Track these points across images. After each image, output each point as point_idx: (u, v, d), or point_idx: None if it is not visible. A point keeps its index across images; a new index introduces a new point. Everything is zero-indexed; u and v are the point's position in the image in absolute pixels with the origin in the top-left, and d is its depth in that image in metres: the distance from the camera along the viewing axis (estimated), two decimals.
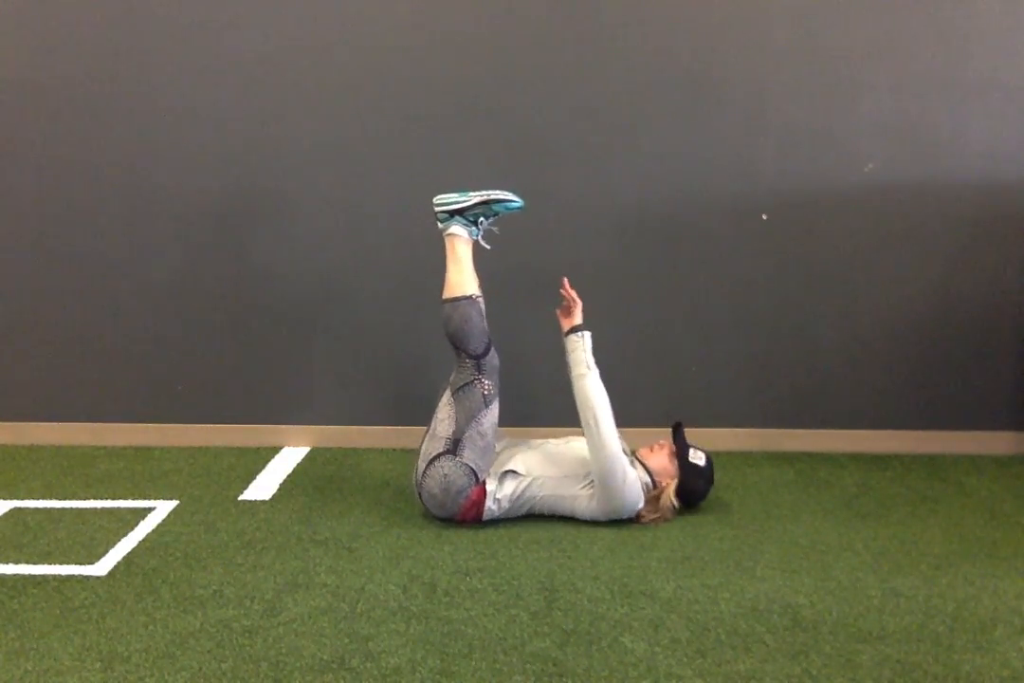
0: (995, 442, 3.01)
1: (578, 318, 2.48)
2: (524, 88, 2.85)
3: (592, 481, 2.41)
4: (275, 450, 3.12)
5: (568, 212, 2.92)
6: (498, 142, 2.88)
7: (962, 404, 3.01)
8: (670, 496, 2.45)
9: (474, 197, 2.42)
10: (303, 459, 3.04)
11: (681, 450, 2.50)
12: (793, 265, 2.94)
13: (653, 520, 2.44)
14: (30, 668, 1.80)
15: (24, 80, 2.92)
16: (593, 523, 2.44)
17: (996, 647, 1.85)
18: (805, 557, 2.27)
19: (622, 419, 2.84)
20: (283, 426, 3.15)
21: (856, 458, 3.00)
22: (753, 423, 3.07)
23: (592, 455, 2.37)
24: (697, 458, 2.49)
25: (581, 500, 2.42)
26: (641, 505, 2.44)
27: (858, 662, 1.80)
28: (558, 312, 2.52)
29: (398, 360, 3.09)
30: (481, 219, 2.45)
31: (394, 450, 3.09)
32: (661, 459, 2.50)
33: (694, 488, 2.49)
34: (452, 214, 2.44)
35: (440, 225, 2.48)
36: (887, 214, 2.88)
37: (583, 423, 2.39)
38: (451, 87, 2.85)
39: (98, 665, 1.80)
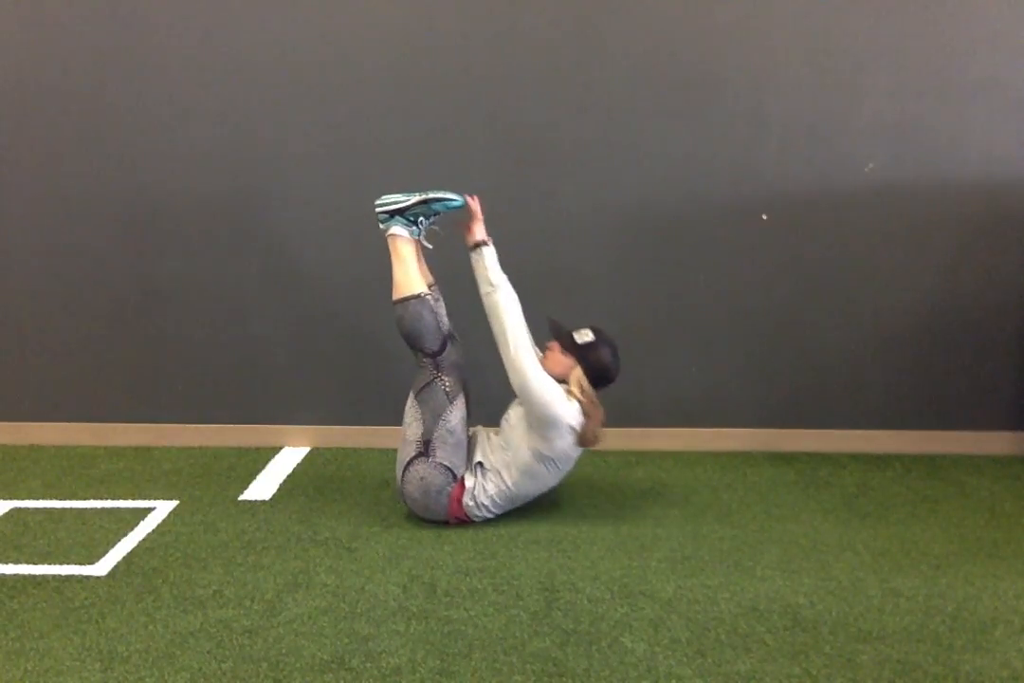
0: (995, 442, 3.01)
1: (479, 234, 2.41)
2: (524, 88, 2.85)
3: (528, 426, 2.35)
4: (275, 450, 3.12)
5: (568, 212, 2.92)
6: (498, 142, 2.88)
7: (962, 404, 3.01)
8: (580, 382, 2.37)
9: (415, 196, 2.43)
10: (303, 459, 3.04)
11: (564, 338, 2.43)
12: (793, 265, 2.94)
13: (593, 424, 2.35)
14: (30, 668, 1.80)
15: (23, 80, 2.92)
16: (593, 523, 2.43)
17: (996, 647, 1.85)
18: (805, 557, 2.27)
19: (622, 419, 2.85)
20: (283, 426, 3.15)
21: (856, 458, 3.00)
22: (753, 423, 3.07)
23: (509, 372, 2.33)
24: (584, 337, 2.41)
25: (528, 444, 2.35)
26: (578, 416, 2.35)
27: (858, 662, 1.80)
28: (463, 228, 2.44)
29: (398, 360, 3.08)
30: (421, 218, 2.46)
31: (394, 450, 3.06)
32: (556, 358, 2.41)
33: (598, 363, 2.38)
34: (392, 214, 2.45)
35: (381, 226, 2.48)
36: (887, 214, 2.88)
37: (496, 338, 2.35)
38: (451, 87, 2.85)
39: (98, 665, 1.81)
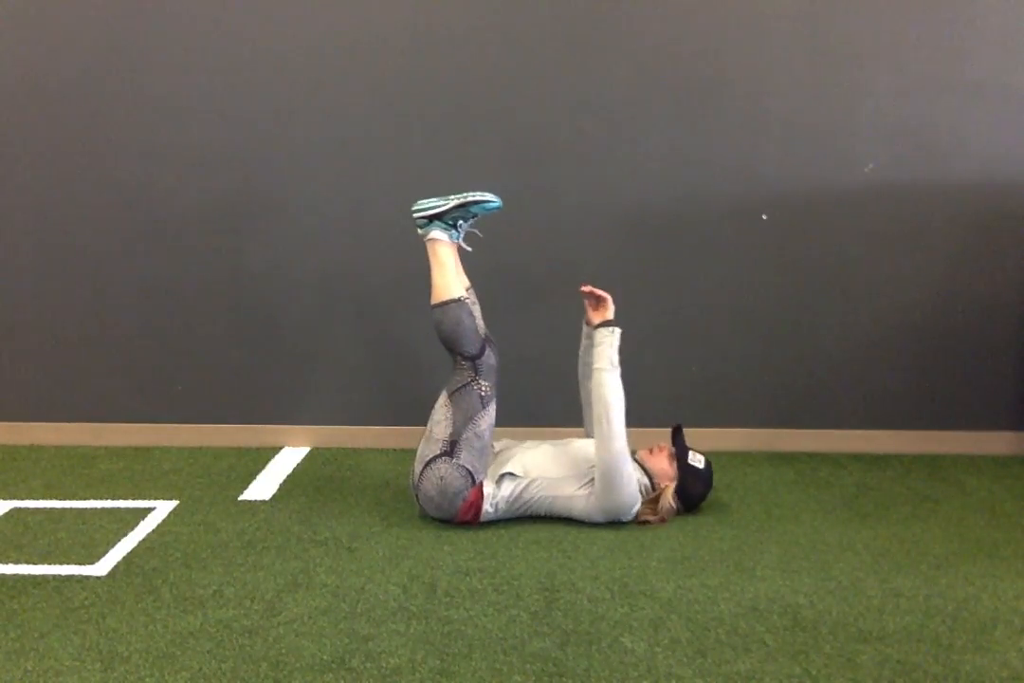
0: (995, 442, 3.01)
1: (610, 313, 2.46)
2: (524, 88, 2.85)
3: (590, 481, 2.41)
4: (275, 450, 3.12)
5: (568, 211, 2.92)
6: (498, 142, 2.88)
7: (962, 404, 3.01)
8: (668, 498, 2.45)
9: (452, 200, 2.42)
10: (303, 459, 3.04)
11: (681, 453, 2.50)
12: (793, 265, 2.94)
13: (652, 521, 2.44)
14: (30, 668, 1.80)
15: (22, 81, 2.92)
16: (593, 524, 2.43)
17: (996, 647, 1.85)
18: (805, 557, 2.27)
19: None
20: (283, 426, 3.15)
21: (856, 458, 3.00)
22: (753, 423, 3.07)
23: (599, 451, 2.36)
24: (696, 461, 2.49)
25: (579, 500, 2.42)
26: (638, 507, 2.44)
27: (858, 662, 1.80)
28: (588, 306, 2.51)
29: (398, 360, 3.09)
30: (460, 222, 2.45)
31: (394, 450, 3.09)
32: (660, 461, 2.50)
33: (692, 491, 2.48)
34: (431, 219, 2.44)
35: (420, 231, 2.48)
36: (887, 214, 2.88)
37: (595, 417, 2.38)
38: (451, 87, 2.85)
39: (98, 665, 1.80)
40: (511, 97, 2.85)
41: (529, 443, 2.58)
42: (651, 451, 2.54)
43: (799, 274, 2.95)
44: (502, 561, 2.25)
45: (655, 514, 2.44)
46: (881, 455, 3.02)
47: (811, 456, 3.02)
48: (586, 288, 2.47)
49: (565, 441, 2.57)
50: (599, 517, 2.42)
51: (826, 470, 2.89)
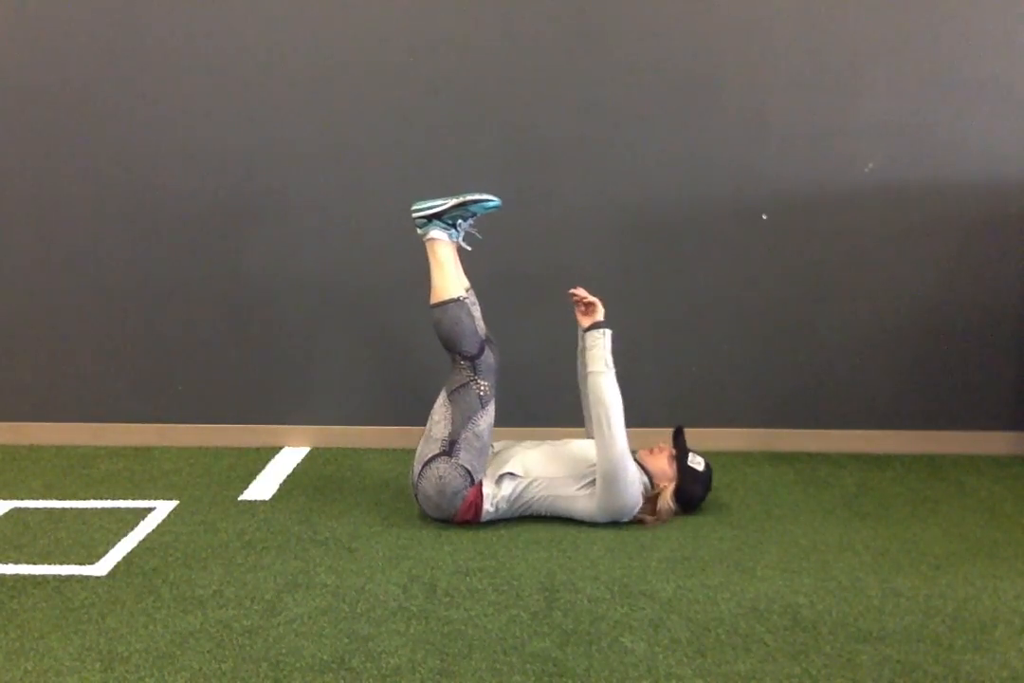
0: (995, 442, 3.01)
1: (599, 315, 2.46)
2: (524, 88, 2.85)
3: (590, 481, 2.41)
4: (275, 450, 3.12)
5: (568, 212, 2.92)
6: (498, 142, 2.88)
7: (962, 404, 3.01)
8: (667, 499, 2.45)
9: (451, 200, 2.42)
10: (303, 459, 3.04)
11: (681, 454, 2.50)
12: (793, 265, 2.94)
13: (649, 522, 2.44)
14: (30, 668, 1.80)
15: (22, 81, 2.92)
16: (593, 523, 2.43)
17: (996, 647, 1.85)
18: (805, 557, 2.27)
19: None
20: (283, 426, 3.15)
21: (856, 458, 3.00)
22: (753, 423, 3.07)
23: (600, 453, 2.36)
24: (696, 463, 2.49)
25: (580, 500, 2.42)
26: (639, 507, 2.44)
27: (858, 662, 1.80)
28: (577, 312, 2.51)
29: (397, 360, 3.09)
30: (459, 221, 2.45)
31: (394, 450, 3.09)
32: (660, 462, 2.50)
33: (692, 492, 2.48)
34: (430, 219, 2.44)
35: (419, 231, 2.48)
36: (887, 214, 2.88)
37: (595, 420, 2.38)
38: (451, 88, 2.85)
39: (98, 665, 1.81)
40: (511, 97, 2.85)
41: (528, 443, 2.58)
42: (651, 451, 2.54)
43: (799, 274, 2.95)
44: (502, 561, 2.25)
45: (653, 515, 2.45)
46: (881, 455, 3.02)
47: (811, 456, 3.02)
48: (575, 293, 2.46)
49: (564, 441, 2.57)
50: (600, 517, 2.42)
51: (826, 470, 2.89)
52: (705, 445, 3.01)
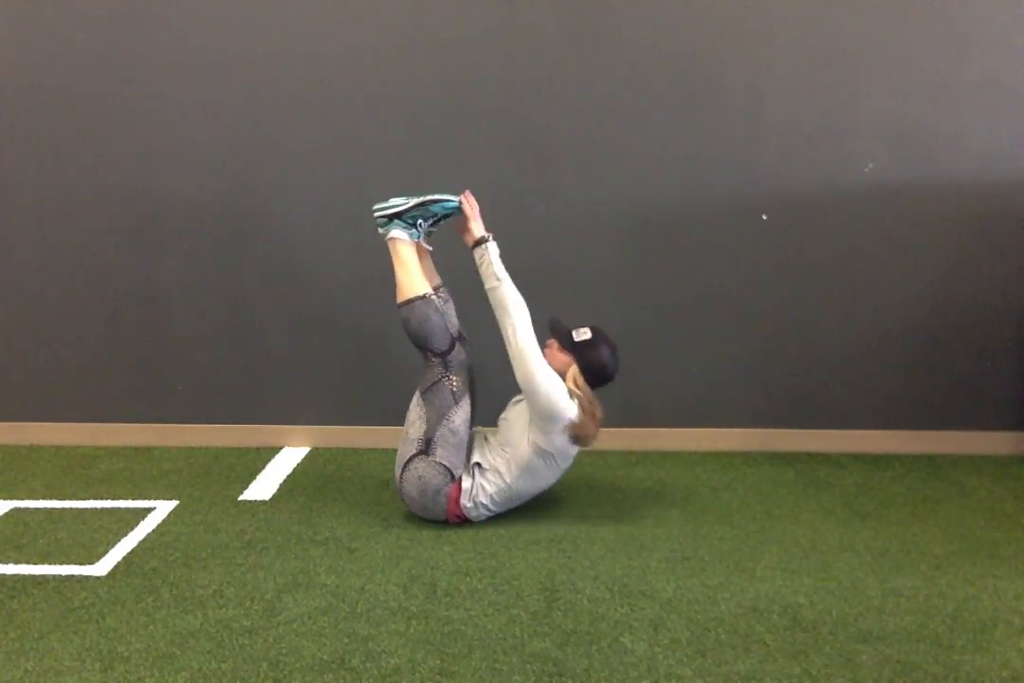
0: (995, 442, 3.01)
1: (477, 230, 2.41)
2: (524, 88, 2.85)
3: (527, 420, 2.37)
4: (275, 450, 3.12)
5: (568, 212, 2.92)
6: (498, 142, 2.88)
7: (962, 404, 3.01)
8: (577, 381, 2.38)
9: (413, 200, 2.43)
10: (303, 459, 3.04)
11: (563, 336, 2.44)
12: (793, 265, 2.94)
13: (590, 422, 2.35)
14: (30, 668, 1.80)
15: (23, 82, 2.92)
16: (593, 523, 2.43)
17: (996, 647, 1.85)
18: (805, 557, 2.27)
19: (622, 419, 2.85)
20: (283, 426, 3.15)
21: (856, 458, 3.00)
22: (753, 423, 3.07)
23: (514, 363, 2.33)
24: (582, 334, 2.42)
25: (528, 439, 2.36)
26: (575, 411, 2.35)
27: (858, 662, 1.80)
28: (462, 231, 2.45)
29: (398, 360, 3.09)
30: (420, 221, 2.46)
31: (394, 450, 3.06)
32: (553, 357, 2.42)
33: (596, 360, 2.40)
34: (390, 218, 2.45)
35: (380, 231, 2.49)
36: (887, 214, 2.88)
37: (502, 333, 2.35)
38: (451, 87, 2.85)
39: (98, 665, 1.81)
40: (511, 97, 2.85)
41: (491, 430, 2.54)
42: (543, 355, 2.41)
43: (799, 274, 2.95)
44: (502, 561, 2.25)
45: (586, 405, 2.35)
46: (881, 455, 3.02)
47: (811, 456, 3.02)
48: (466, 195, 2.41)
49: (507, 410, 2.53)
50: (547, 431, 2.33)
51: (826, 470, 2.89)
52: (705, 445, 3.02)
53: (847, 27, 2.76)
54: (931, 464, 2.94)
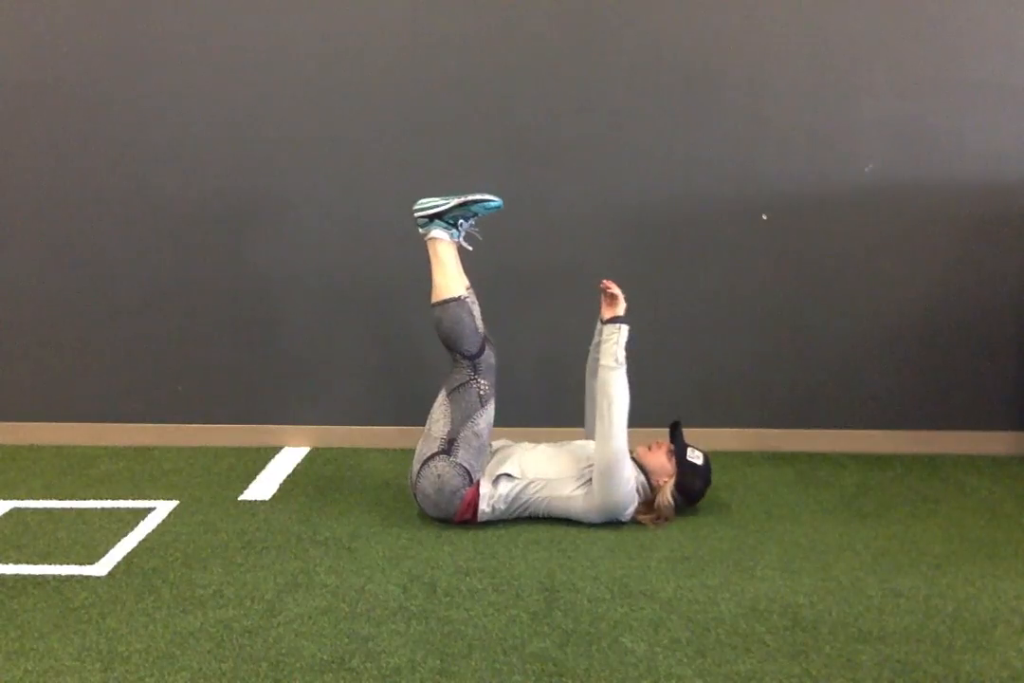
0: (995, 442, 3.01)
1: (619, 309, 2.46)
2: (524, 88, 2.85)
3: (587, 481, 2.41)
4: (275, 450, 3.12)
5: (568, 212, 2.92)
6: (498, 142, 2.88)
7: (962, 404, 3.01)
8: (667, 495, 2.44)
9: (453, 199, 2.42)
10: (303, 459, 3.04)
11: (679, 449, 2.50)
12: (793, 265, 2.94)
13: (650, 521, 2.44)
14: (30, 668, 1.80)
15: (22, 82, 2.92)
16: (592, 524, 2.43)
17: (996, 647, 1.85)
18: (805, 557, 2.27)
19: None
20: (283, 426, 3.15)
21: (856, 458, 3.00)
22: (753, 423, 3.07)
23: (598, 446, 2.36)
24: (695, 457, 2.49)
25: (576, 500, 2.41)
26: (635, 506, 2.43)
27: (858, 662, 1.80)
28: (603, 302, 2.50)
29: (398, 360, 3.09)
30: (460, 221, 2.46)
31: (394, 450, 3.09)
32: (659, 458, 2.50)
33: (691, 487, 2.48)
34: (431, 218, 2.44)
35: (421, 230, 2.48)
36: (887, 214, 2.88)
37: (597, 413, 2.38)
38: (451, 87, 2.85)
39: (98, 665, 1.81)
40: (511, 97, 2.85)
41: (527, 444, 2.58)
42: (649, 448, 2.53)
43: (799, 274, 2.95)
44: (502, 561, 2.25)
45: (652, 512, 2.44)
46: (881, 455, 3.02)
47: (811, 456, 3.02)
48: (605, 283, 2.46)
49: (562, 442, 2.57)
50: (596, 517, 2.42)
51: (826, 470, 2.89)
52: (705, 445, 3.00)
53: (847, 27, 2.75)
54: (931, 464, 2.94)
